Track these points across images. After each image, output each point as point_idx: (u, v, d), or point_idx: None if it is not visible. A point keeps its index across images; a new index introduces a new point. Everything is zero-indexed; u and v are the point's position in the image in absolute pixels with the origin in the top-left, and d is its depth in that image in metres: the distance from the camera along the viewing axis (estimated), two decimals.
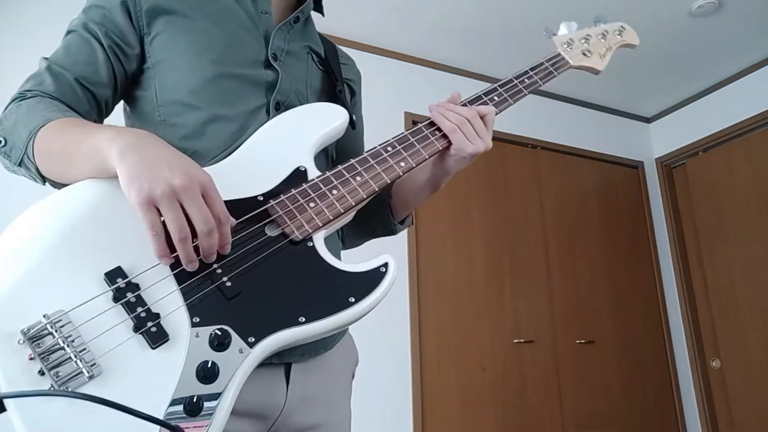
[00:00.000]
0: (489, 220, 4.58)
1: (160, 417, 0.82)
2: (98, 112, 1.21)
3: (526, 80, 1.40)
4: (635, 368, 4.86)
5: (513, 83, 1.39)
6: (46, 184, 1.10)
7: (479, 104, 1.32)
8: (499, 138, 4.70)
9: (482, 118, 1.29)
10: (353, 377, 1.39)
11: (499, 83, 1.38)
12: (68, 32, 1.21)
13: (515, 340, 4.39)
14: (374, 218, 1.45)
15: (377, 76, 4.35)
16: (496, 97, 1.36)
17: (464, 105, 1.32)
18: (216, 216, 0.91)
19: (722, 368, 4.85)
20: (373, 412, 3.65)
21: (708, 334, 5.01)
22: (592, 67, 1.53)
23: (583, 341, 4.66)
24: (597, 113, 5.44)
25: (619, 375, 4.76)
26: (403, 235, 4.12)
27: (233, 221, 0.97)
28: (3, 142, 1.07)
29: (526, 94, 1.39)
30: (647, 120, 5.73)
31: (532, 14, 4.09)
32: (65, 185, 0.99)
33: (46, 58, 1.18)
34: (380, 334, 3.79)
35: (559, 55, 1.49)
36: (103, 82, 1.18)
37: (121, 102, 1.29)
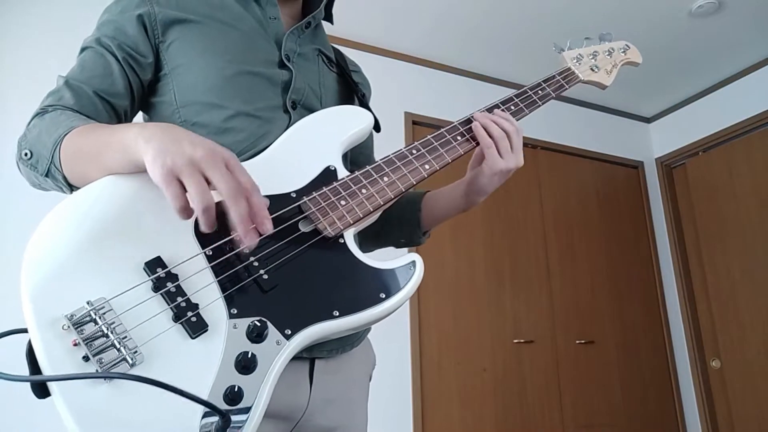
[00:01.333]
0: (489, 220, 4.59)
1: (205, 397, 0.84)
2: (118, 123, 1.22)
3: (539, 92, 1.45)
4: (635, 368, 4.87)
5: (528, 94, 1.43)
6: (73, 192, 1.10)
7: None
8: None
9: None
10: (370, 379, 1.40)
11: (514, 93, 1.42)
12: (82, 49, 1.24)
13: (515, 340, 4.40)
14: (402, 228, 1.49)
15: (378, 76, 4.23)
16: (512, 107, 1.39)
17: (503, 111, 1.36)
18: (243, 183, 0.90)
19: (722, 368, 4.85)
20: (373, 412, 3.56)
21: (708, 334, 5.02)
22: (599, 83, 1.61)
23: (583, 341, 4.68)
24: (597, 113, 5.46)
25: (619, 375, 4.77)
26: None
27: (267, 201, 0.97)
28: (29, 155, 1.08)
29: (540, 105, 1.44)
30: (647, 120, 5.75)
31: (533, 14, 4.10)
32: None
33: (63, 76, 1.20)
34: (380, 334, 3.73)
35: (569, 69, 1.55)
36: (121, 92, 1.21)
37: (140, 114, 1.31)
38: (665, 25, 4.34)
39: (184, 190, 0.88)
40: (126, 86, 1.21)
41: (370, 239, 1.51)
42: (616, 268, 5.06)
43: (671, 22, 4.31)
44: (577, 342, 4.66)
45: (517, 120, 1.36)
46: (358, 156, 1.44)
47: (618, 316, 4.94)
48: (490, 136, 1.28)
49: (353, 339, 1.26)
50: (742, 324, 4.70)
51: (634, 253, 5.22)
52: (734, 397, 4.73)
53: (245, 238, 0.91)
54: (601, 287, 4.93)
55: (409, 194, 1.47)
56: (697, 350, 5.01)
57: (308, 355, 1.14)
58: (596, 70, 1.59)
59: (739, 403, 4.69)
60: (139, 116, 1.31)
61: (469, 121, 1.33)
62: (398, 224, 1.48)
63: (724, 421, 4.81)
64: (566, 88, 1.52)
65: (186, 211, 0.88)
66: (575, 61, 1.57)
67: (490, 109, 1.36)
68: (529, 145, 4.95)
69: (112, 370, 0.82)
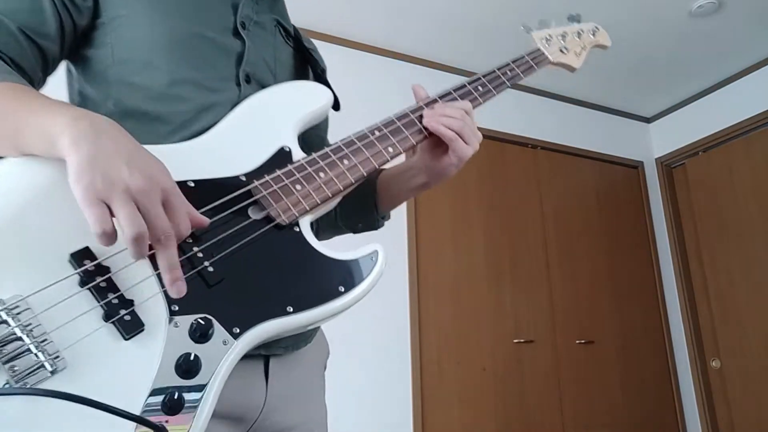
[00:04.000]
0: (489, 220, 4.52)
1: (137, 413, 0.71)
2: (43, 69, 1.03)
3: (508, 72, 1.36)
4: (635, 368, 4.81)
5: (496, 74, 1.34)
6: None
7: (460, 95, 1.27)
8: (499, 138, 4.71)
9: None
10: (325, 369, 1.28)
11: (482, 73, 1.33)
12: None
13: (515, 340, 4.34)
14: (357, 213, 1.34)
15: (378, 76, 4.30)
16: (480, 87, 1.30)
17: (448, 100, 1.25)
18: (177, 227, 0.78)
19: (722, 368, 4.81)
20: (374, 412, 3.61)
21: (708, 334, 4.96)
22: (568, 65, 1.53)
23: (583, 341, 4.61)
24: (597, 113, 5.40)
25: (619, 375, 4.71)
26: (403, 235, 4.10)
27: (206, 222, 0.85)
28: None
29: (508, 86, 1.35)
30: (647, 120, 5.70)
31: (533, 15, 3.98)
32: None
33: None
34: (380, 334, 3.77)
35: (538, 50, 1.47)
36: (50, 34, 1.00)
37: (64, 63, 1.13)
38: (665, 25, 4.28)
39: (111, 213, 0.74)
40: (58, 28, 1.01)
41: (325, 226, 1.37)
42: (616, 268, 5.00)
43: (671, 22, 4.25)
44: (577, 342, 4.60)
45: (485, 101, 1.29)
46: (312, 137, 1.25)
47: (618, 316, 4.87)
48: (452, 129, 1.17)
49: (308, 335, 1.14)
50: (742, 324, 4.66)
51: (634, 253, 5.16)
52: (734, 397, 4.69)
53: (170, 288, 0.78)
54: (601, 287, 4.87)
55: None
56: (697, 350, 4.96)
57: (264, 352, 1.01)
58: (565, 51, 1.51)
59: (739, 403, 4.65)
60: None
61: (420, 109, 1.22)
62: (353, 208, 1.33)
63: (724, 421, 4.76)
64: (536, 70, 1.42)
65: (108, 238, 0.74)
66: (544, 41, 1.48)
67: (457, 89, 1.26)
68: (529, 144, 4.91)
69: (28, 379, 0.69)
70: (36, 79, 1.02)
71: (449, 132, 1.16)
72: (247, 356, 0.87)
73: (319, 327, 1.19)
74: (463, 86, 1.28)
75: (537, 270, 4.62)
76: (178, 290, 0.78)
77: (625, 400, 4.66)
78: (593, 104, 5.36)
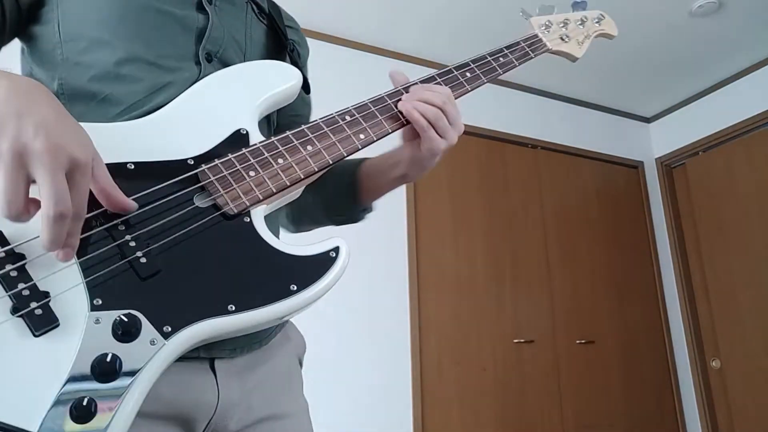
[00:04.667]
0: (489, 220, 4.48)
1: (34, 429, 0.61)
2: None
3: (501, 59, 1.23)
4: (635, 368, 4.76)
5: (486, 60, 1.21)
6: None
7: (444, 80, 1.14)
8: (499, 138, 4.68)
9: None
10: (302, 365, 1.15)
11: (471, 59, 1.20)
12: None
13: (515, 340, 4.29)
14: (338, 204, 1.22)
15: (377, 76, 4.15)
16: (468, 74, 1.18)
17: (430, 85, 1.12)
18: (74, 205, 0.67)
19: (722, 368, 4.76)
20: (374, 412, 3.58)
21: (708, 334, 4.91)
22: (569, 53, 1.38)
23: (583, 341, 4.56)
24: (597, 113, 5.36)
25: (619, 375, 4.67)
26: (403, 234, 4.06)
27: (131, 206, 0.75)
28: None
29: (500, 74, 1.22)
30: (647, 120, 5.65)
31: (533, 14, 3.93)
32: None
33: None
34: (380, 334, 3.74)
35: (536, 36, 1.33)
36: None
37: (18, 42, 1.03)
38: (665, 25, 4.23)
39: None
40: None
41: (306, 216, 1.26)
42: (616, 268, 4.95)
43: (671, 22, 4.20)
44: (577, 342, 4.55)
45: (473, 89, 1.16)
46: (290, 125, 1.08)
47: (618, 316, 4.83)
48: (425, 117, 1.05)
49: (261, 336, 1.00)
50: (742, 324, 4.61)
51: (634, 253, 5.11)
52: (734, 397, 4.64)
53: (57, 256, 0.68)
54: (601, 287, 4.82)
55: (345, 162, 1.14)
56: (697, 350, 4.91)
57: (206, 355, 0.89)
58: (566, 39, 1.37)
59: (739, 403, 4.60)
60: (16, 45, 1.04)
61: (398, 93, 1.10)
62: (334, 198, 1.21)
63: (724, 421, 4.71)
64: (532, 57, 1.29)
65: None
66: (543, 28, 1.35)
67: (441, 75, 1.14)
68: (529, 144, 4.86)
69: None
70: None
71: (422, 120, 1.04)
72: (190, 359, 0.78)
73: (279, 327, 1.07)
74: (449, 72, 1.16)
75: (537, 270, 4.57)
76: (63, 257, 0.68)
77: (625, 400, 4.62)
78: (593, 104, 5.32)
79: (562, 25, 1.38)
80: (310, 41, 1.36)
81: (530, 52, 1.29)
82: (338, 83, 3.23)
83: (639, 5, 3.96)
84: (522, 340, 4.30)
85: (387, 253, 3.91)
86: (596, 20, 1.44)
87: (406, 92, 1.09)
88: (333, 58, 4.01)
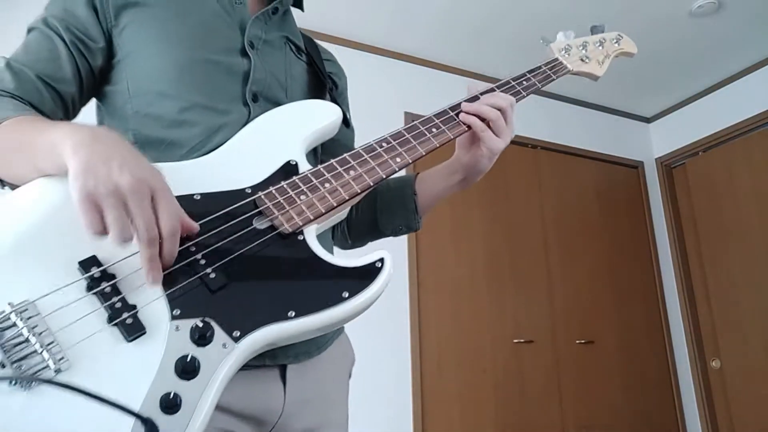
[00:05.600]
0: (489, 220, 4.53)
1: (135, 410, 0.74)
2: (65, 111, 1.13)
3: (524, 82, 1.36)
4: (635, 368, 4.81)
5: (511, 85, 1.34)
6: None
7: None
8: None
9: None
10: (350, 377, 1.31)
11: (496, 84, 1.33)
12: (29, 30, 1.13)
13: (515, 340, 4.34)
14: (399, 215, 1.39)
15: (377, 76, 4.32)
16: None
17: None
18: (162, 226, 0.82)
19: (722, 368, 4.81)
20: (373, 412, 3.60)
21: (708, 334, 4.96)
22: (590, 73, 1.51)
23: (583, 341, 4.62)
24: (597, 113, 5.41)
25: (619, 375, 4.72)
26: (403, 236, 4.06)
27: (195, 228, 0.89)
28: None
29: (524, 96, 1.35)
30: (647, 120, 5.69)
31: (533, 14, 4.04)
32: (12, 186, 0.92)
33: (5, 57, 1.09)
34: (380, 335, 3.76)
35: (557, 60, 1.46)
36: (67, 78, 1.10)
37: (93, 101, 1.21)
38: (665, 25, 4.29)
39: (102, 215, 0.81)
40: (74, 72, 1.11)
41: (365, 232, 1.43)
42: (616, 268, 5.00)
43: (671, 22, 4.26)
44: (577, 342, 4.60)
45: None
46: (335, 152, 1.25)
47: (618, 316, 4.88)
48: (483, 120, 1.21)
49: (320, 343, 1.16)
50: (742, 324, 4.66)
51: (634, 253, 5.16)
52: (734, 397, 4.69)
53: (147, 276, 0.83)
54: (601, 287, 4.87)
55: (398, 179, 1.38)
56: (697, 350, 4.96)
57: (272, 362, 1.05)
58: (587, 60, 1.49)
59: (739, 403, 4.65)
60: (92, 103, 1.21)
61: (453, 108, 1.25)
62: (393, 212, 1.38)
63: (724, 421, 4.76)
64: (553, 79, 1.41)
65: (101, 238, 0.81)
66: (563, 52, 1.47)
67: (468, 101, 1.27)
68: (529, 145, 4.91)
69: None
70: (57, 120, 1.08)
71: (479, 123, 1.21)
72: (261, 364, 0.92)
73: (333, 336, 1.22)
74: (476, 98, 1.28)
75: (537, 270, 4.62)
76: (152, 279, 0.83)
77: (625, 400, 4.66)
78: (593, 104, 5.36)
79: (581, 47, 1.51)
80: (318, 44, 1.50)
81: (552, 74, 1.42)
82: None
83: (639, 5, 4.02)
84: (522, 341, 4.35)
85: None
86: (615, 41, 1.57)
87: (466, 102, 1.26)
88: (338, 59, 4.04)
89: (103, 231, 0.80)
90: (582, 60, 1.49)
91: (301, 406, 1.10)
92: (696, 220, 5.12)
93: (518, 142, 4.82)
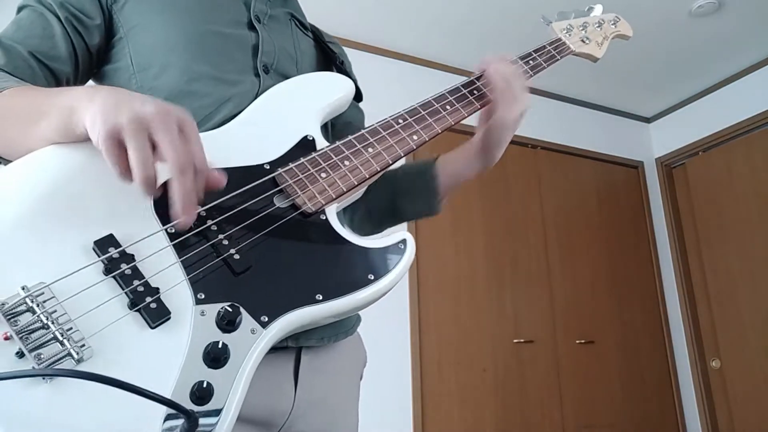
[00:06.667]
0: (489, 220, 4.51)
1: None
2: None
3: (530, 62, 1.34)
4: (635, 368, 4.80)
5: (519, 64, 1.31)
6: None
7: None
8: None
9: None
10: (361, 378, 1.26)
11: None
12: (19, 9, 1.07)
13: (515, 340, 4.33)
14: (421, 199, 1.33)
15: (377, 76, 4.27)
16: None
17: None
18: (195, 153, 0.77)
19: (722, 368, 4.80)
20: (373, 412, 3.52)
21: (708, 334, 4.95)
22: (591, 54, 1.48)
23: (583, 341, 4.61)
24: (597, 113, 5.39)
25: (619, 375, 4.71)
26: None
27: (222, 181, 0.83)
28: None
29: (532, 75, 1.32)
30: (647, 120, 5.69)
31: (532, 14, 3.98)
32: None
33: None
34: (380, 334, 3.69)
35: (560, 39, 1.43)
36: (62, 56, 1.04)
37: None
38: (665, 25, 4.27)
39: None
40: (69, 50, 1.04)
41: (386, 217, 1.36)
42: (616, 268, 4.99)
43: (671, 22, 4.25)
44: (577, 342, 4.59)
45: None
46: (344, 130, 1.23)
47: (618, 316, 4.87)
48: (503, 78, 1.19)
49: (347, 326, 1.12)
50: (742, 324, 4.65)
51: (634, 253, 5.15)
52: (734, 397, 4.68)
53: (181, 214, 0.76)
54: (601, 287, 4.86)
55: (418, 163, 1.34)
56: (697, 350, 4.94)
57: (294, 344, 0.99)
58: (587, 41, 1.47)
59: (739, 403, 4.64)
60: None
61: (466, 86, 1.23)
62: (416, 196, 1.32)
63: (724, 421, 4.75)
64: (558, 59, 1.39)
65: (127, 178, 0.75)
66: (565, 32, 1.45)
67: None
68: (529, 144, 4.90)
69: (53, 368, 0.66)
70: None
71: (501, 82, 1.19)
72: (277, 348, 0.86)
73: (357, 322, 1.18)
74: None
75: (537, 270, 4.61)
76: (187, 218, 0.77)
77: (625, 400, 4.65)
78: (593, 104, 5.35)
79: (581, 28, 1.48)
80: None
81: (556, 54, 1.39)
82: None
83: (639, 5, 4.01)
84: (522, 340, 4.33)
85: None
86: (612, 22, 1.55)
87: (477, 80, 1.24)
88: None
89: (129, 172, 0.74)
90: (582, 41, 1.47)
91: (311, 407, 1.03)
92: (696, 220, 5.11)
93: (518, 142, 4.79)
